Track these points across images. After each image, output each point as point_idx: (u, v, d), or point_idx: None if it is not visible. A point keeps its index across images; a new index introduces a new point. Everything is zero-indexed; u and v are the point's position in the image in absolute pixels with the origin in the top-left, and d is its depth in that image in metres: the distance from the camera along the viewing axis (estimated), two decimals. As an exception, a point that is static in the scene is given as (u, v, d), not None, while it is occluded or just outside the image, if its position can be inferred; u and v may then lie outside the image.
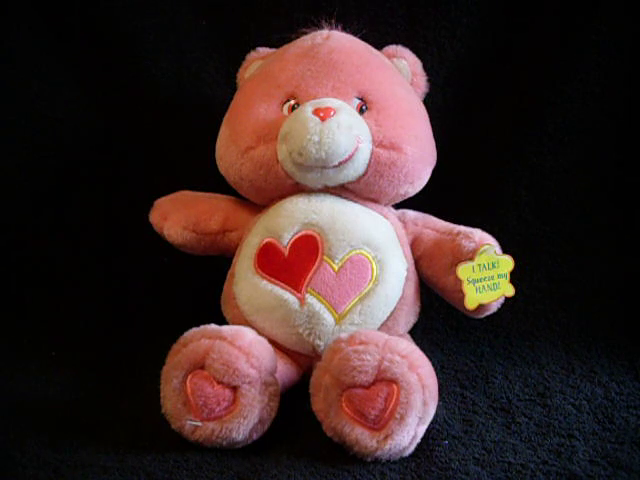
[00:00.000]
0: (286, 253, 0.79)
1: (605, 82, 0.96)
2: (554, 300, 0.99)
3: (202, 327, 0.73)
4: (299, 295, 0.78)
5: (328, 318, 0.77)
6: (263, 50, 0.91)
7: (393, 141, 0.79)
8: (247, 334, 0.72)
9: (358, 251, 0.78)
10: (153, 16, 0.97)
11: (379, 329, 0.79)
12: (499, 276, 0.77)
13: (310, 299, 0.77)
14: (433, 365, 0.72)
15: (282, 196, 0.82)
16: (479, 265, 0.77)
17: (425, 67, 0.89)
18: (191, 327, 0.73)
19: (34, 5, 0.96)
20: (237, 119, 0.83)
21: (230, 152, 0.82)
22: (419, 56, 0.90)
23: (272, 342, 0.76)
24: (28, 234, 1.01)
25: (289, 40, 0.87)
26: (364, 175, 0.79)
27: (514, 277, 0.78)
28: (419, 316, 0.86)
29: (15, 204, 1.01)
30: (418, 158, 0.81)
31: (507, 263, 0.77)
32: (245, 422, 0.70)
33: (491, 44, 0.97)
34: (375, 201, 0.83)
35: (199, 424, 0.70)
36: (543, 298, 1.00)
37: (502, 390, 0.83)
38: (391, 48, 0.89)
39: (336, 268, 0.78)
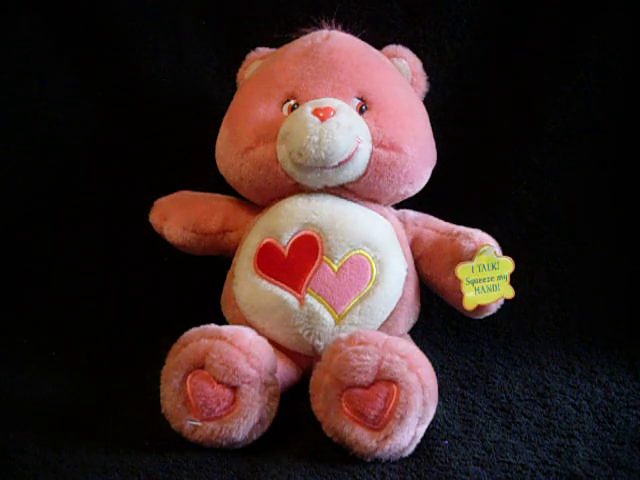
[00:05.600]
0: (286, 253, 0.79)
1: (605, 82, 0.96)
2: (554, 300, 0.99)
3: (202, 327, 0.73)
4: (299, 295, 0.78)
5: (328, 318, 0.77)
6: (263, 50, 0.91)
7: (393, 141, 0.79)
8: (247, 334, 0.72)
9: (358, 251, 0.78)
10: (153, 16, 0.97)
11: (379, 329, 0.79)
12: (499, 277, 0.77)
13: (310, 299, 0.77)
14: (433, 365, 0.72)
15: (282, 196, 0.82)
16: (478, 266, 0.77)
17: (425, 67, 0.89)
18: (191, 327, 0.73)
19: (34, 5, 0.96)
20: (237, 119, 0.83)
21: (230, 152, 0.82)
22: (419, 56, 0.90)
23: (272, 342, 0.76)
24: (28, 234, 1.01)
25: (289, 40, 0.87)
26: (364, 175, 0.79)
27: (514, 277, 0.78)
28: (419, 316, 0.86)
29: (15, 204, 1.01)
30: (418, 158, 0.81)
31: (507, 265, 0.77)
32: (245, 422, 0.70)
33: (491, 44, 0.97)
34: (375, 201, 0.83)
35: (199, 424, 0.70)
36: (543, 298, 1.00)
37: (502, 390, 0.83)
38: (391, 48, 0.89)
39: (336, 268, 0.78)
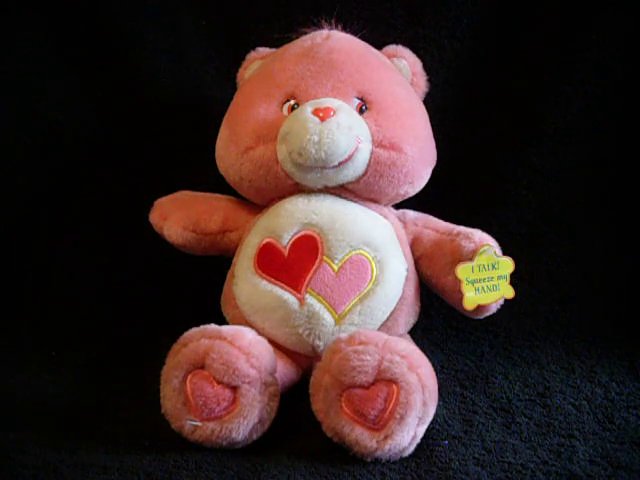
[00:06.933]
0: (286, 253, 0.79)
1: (605, 82, 0.96)
2: (554, 300, 0.99)
3: (202, 327, 0.73)
4: (299, 295, 0.78)
5: (328, 318, 0.77)
6: (263, 50, 0.91)
7: (393, 141, 0.79)
8: (247, 334, 0.72)
9: (358, 251, 0.78)
10: (153, 16, 0.97)
11: (379, 329, 0.79)
12: (499, 277, 0.77)
13: (310, 299, 0.77)
14: (433, 365, 0.72)
15: (282, 196, 0.82)
16: (478, 266, 0.77)
17: (425, 67, 0.89)
18: (191, 327, 0.73)
19: (34, 5, 0.96)
20: (237, 119, 0.83)
21: (230, 152, 0.82)
22: (419, 56, 0.90)
23: (272, 342, 0.76)
24: (28, 234, 1.01)
25: (289, 40, 0.87)
26: (364, 175, 0.79)
27: (514, 277, 0.78)
28: (419, 316, 0.86)
29: (15, 204, 1.01)
30: (418, 158, 0.81)
31: (507, 265, 0.77)
32: (245, 422, 0.70)
33: (491, 44, 0.97)
34: (375, 201, 0.83)
35: (199, 424, 0.70)
36: (543, 298, 1.00)
37: (502, 390, 0.83)
38: (391, 48, 0.89)
39: (336, 268, 0.78)
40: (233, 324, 0.80)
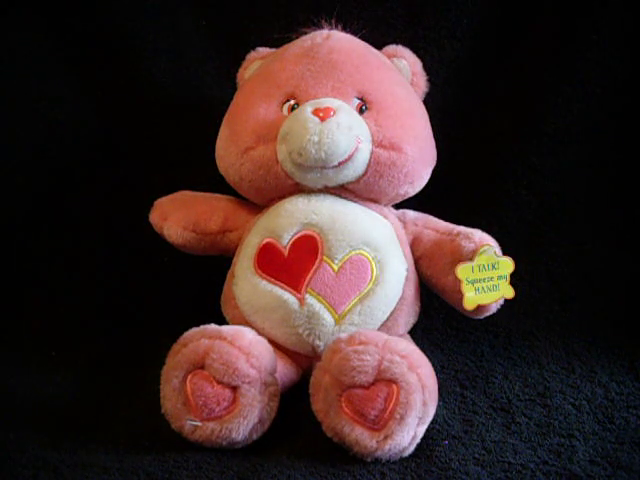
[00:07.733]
0: (286, 253, 0.79)
1: (605, 82, 0.96)
2: (554, 300, 0.99)
3: (202, 327, 0.73)
4: (299, 295, 0.78)
5: (328, 318, 0.77)
6: (263, 50, 0.91)
7: (393, 141, 0.79)
8: (247, 334, 0.72)
9: (358, 251, 0.78)
10: (153, 16, 0.97)
11: (379, 329, 0.79)
12: (499, 277, 0.77)
13: (310, 299, 0.77)
14: (433, 365, 0.72)
15: (282, 196, 0.82)
16: (478, 266, 0.77)
17: (425, 67, 0.90)
18: (191, 327, 0.73)
19: (34, 5, 0.96)
20: (237, 119, 0.83)
21: (230, 152, 0.83)
22: (419, 56, 0.90)
23: (272, 342, 0.76)
24: (28, 234, 1.01)
25: (289, 40, 0.87)
26: (364, 175, 0.79)
27: (514, 277, 0.78)
28: (419, 316, 0.86)
29: (15, 204, 1.01)
30: (418, 158, 0.81)
31: (507, 265, 0.77)
32: (245, 422, 0.70)
33: (491, 44, 0.98)
34: (375, 201, 0.83)
35: (199, 424, 0.70)
36: (543, 298, 1.00)
37: (502, 390, 0.83)
38: (391, 48, 0.89)
39: (336, 268, 0.78)
40: (233, 324, 0.80)
